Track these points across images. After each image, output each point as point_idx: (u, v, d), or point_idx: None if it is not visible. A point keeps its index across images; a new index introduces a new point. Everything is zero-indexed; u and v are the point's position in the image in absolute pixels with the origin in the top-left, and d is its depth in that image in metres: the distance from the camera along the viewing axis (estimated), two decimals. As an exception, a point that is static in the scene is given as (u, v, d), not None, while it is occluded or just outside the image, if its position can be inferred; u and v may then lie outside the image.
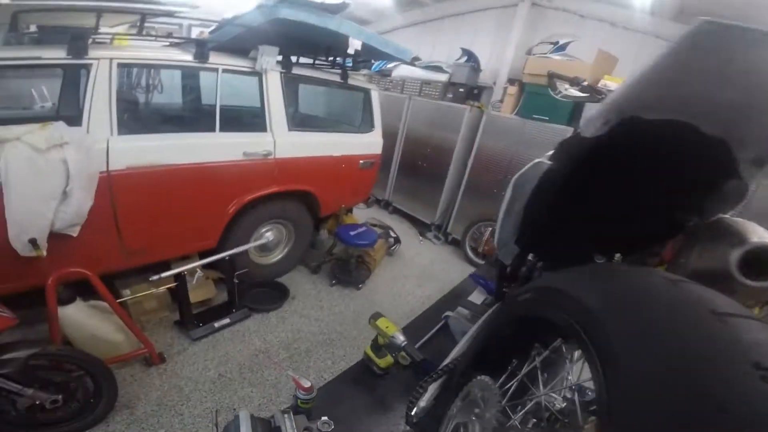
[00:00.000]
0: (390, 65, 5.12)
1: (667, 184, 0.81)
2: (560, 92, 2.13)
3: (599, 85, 3.12)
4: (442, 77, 4.51)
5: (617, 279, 0.60)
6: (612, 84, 3.32)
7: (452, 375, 1.01)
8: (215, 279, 2.71)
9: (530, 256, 1.31)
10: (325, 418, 1.37)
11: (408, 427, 1.45)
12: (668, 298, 0.52)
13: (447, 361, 1.25)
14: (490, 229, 4.01)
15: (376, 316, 1.63)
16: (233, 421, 1.22)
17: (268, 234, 2.88)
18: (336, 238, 3.26)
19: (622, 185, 0.88)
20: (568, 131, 3.43)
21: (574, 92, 2.05)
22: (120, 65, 1.89)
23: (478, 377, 0.77)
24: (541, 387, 0.71)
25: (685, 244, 0.79)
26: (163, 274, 2.04)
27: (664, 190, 0.83)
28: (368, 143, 3.28)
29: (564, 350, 0.74)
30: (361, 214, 4.39)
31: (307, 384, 1.40)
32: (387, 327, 1.57)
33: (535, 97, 3.67)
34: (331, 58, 3.09)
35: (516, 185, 1.18)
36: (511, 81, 4.08)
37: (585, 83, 1.91)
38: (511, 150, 3.85)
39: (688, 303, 0.50)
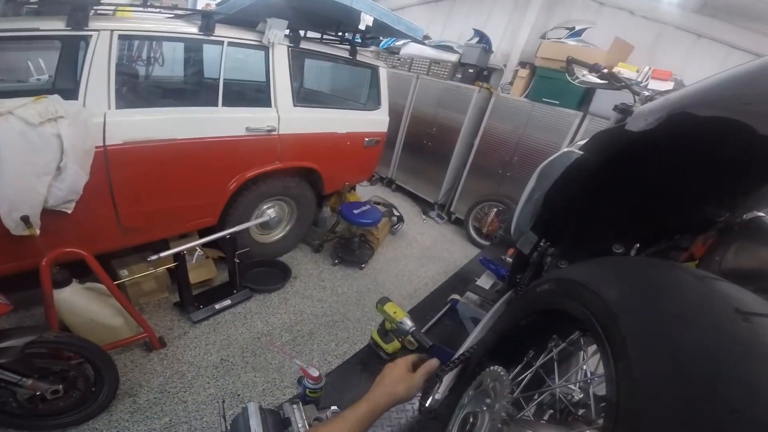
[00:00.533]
0: (399, 43, 4.95)
1: (701, 181, 0.79)
2: (578, 78, 2.04)
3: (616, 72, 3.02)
4: (452, 57, 4.37)
5: (638, 273, 0.57)
6: (627, 71, 3.21)
7: (468, 364, 1.00)
8: (215, 258, 2.64)
9: (542, 242, 1.29)
10: (334, 407, 1.33)
11: (417, 414, 1.44)
12: (690, 295, 0.49)
13: (462, 349, 1.22)
14: (495, 209, 4.05)
15: (384, 301, 1.58)
16: (242, 413, 1.18)
17: (270, 211, 2.80)
18: (339, 216, 3.21)
19: (655, 179, 0.86)
20: (577, 116, 3.45)
21: (593, 78, 1.97)
22: (121, 37, 1.77)
23: (491, 367, 0.75)
24: (556, 379, 0.70)
25: (719, 241, 0.76)
26: (163, 254, 1.96)
27: (698, 186, 0.81)
28: (374, 121, 3.20)
29: (582, 343, 0.74)
30: (364, 191, 4.31)
31: (315, 373, 1.36)
32: (395, 312, 1.52)
33: (547, 81, 3.62)
34: (340, 34, 2.94)
35: (542, 173, 1.15)
36: (522, 64, 3.97)
37: (605, 70, 1.80)
38: (518, 132, 3.87)
39: (711, 300, 0.47)
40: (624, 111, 1.77)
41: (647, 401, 0.39)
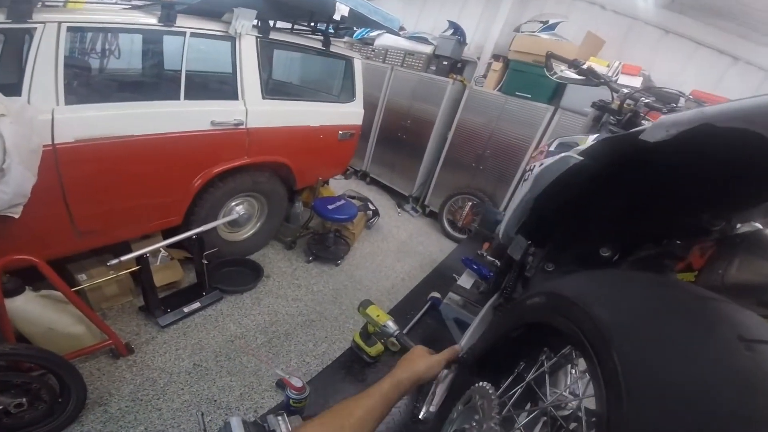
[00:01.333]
0: (373, 34, 4.84)
1: (703, 189, 0.77)
2: (555, 73, 2.04)
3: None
4: (427, 49, 4.31)
5: (634, 292, 0.56)
6: (598, 66, 3.27)
7: (460, 372, 0.99)
8: (181, 259, 2.53)
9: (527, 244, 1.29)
10: None
11: (410, 422, 1.44)
12: (690, 320, 0.47)
13: (466, 346, 1.22)
14: (470, 203, 4.09)
15: (366, 304, 1.56)
16: (224, 428, 1.13)
17: (238, 208, 2.70)
18: (312, 211, 3.13)
19: (653, 185, 0.85)
20: (549, 110, 3.50)
21: (571, 74, 1.96)
22: (70, 29, 1.63)
23: (479, 383, 0.74)
24: (547, 393, 0.69)
25: (719, 253, 0.75)
26: (123, 258, 1.85)
27: (697, 194, 0.79)
28: (348, 113, 3.12)
29: (574, 357, 0.72)
30: (338, 185, 4.25)
31: (299, 384, 1.32)
32: (378, 315, 1.51)
33: (520, 75, 3.63)
34: (312, 24, 2.83)
35: (538, 178, 1.13)
36: (495, 57, 3.96)
37: (584, 66, 1.82)
38: (491, 125, 3.90)
39: (713, 326, 0.45)
40: (602, 108, 1.77)
41: None
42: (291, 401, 1.32)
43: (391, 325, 1.42)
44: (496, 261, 2.10)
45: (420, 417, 0.90)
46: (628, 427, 0.40)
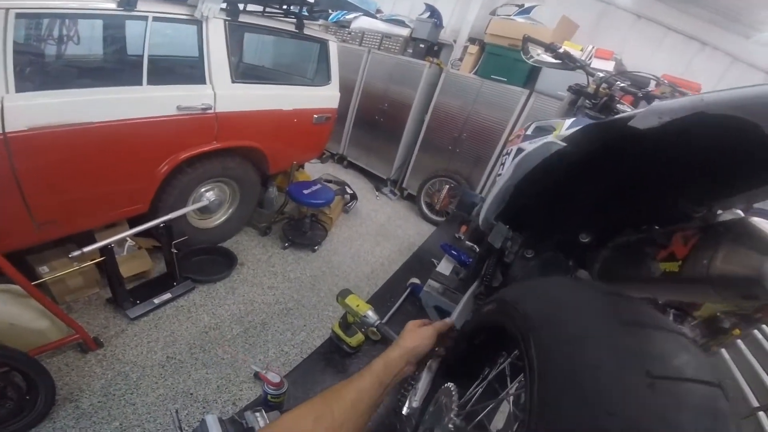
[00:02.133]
0: (350, 16, 4.71)
1: (686, 176, 0.78)
2: (532, 57, 2.03)
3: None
4: (404, 32, 4.25)
5: (557, 291, 0.63)
6: (572, 50, 3.30)
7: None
8: (150, 248, 2.45)
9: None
10: None
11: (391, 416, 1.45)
12: (593, 310, 0.54)
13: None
14: (447, 186, 4.14)
15: (345, 293, 1.52)
16: (200, 426, 1.12)
17: (208, 194, 2.62)
18: (287, 196, 3.08)
19: (635, 171, 0.86)
20: (524, 93, 3.54)
21: (548, 58, 1.96)
22: (20, 16, 1.53)
23: (445, 384, 0.77)
24: (510, 394, 0.72)
25: (703, 243, 0.73)
26: (85, 249, 1.77)
27: (679, 180, 0.80)
28: (324, 97, 3.07)
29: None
30: (314, 169, 4.17)
31: (276, 379, 1.30)
32: (358, 306, 1.47)
33: (495, 58, 3.65)
34: (285, 7, 2.73)
35: (519, 165, 1.09)
36: (472, 40, 3.96)
37: (561, 50, 1.81)
38: (467, 108, 3.92)
39: (611, 314, 0.53)
40: (578, 92, 1.79)
41: (545, 417, 0.43)
42: (269, 396, 1.31)
43: (372, 315, 1.40)
44: (475, 246, 2.10)
45: (403, 413, 0.89)
46: (541, 407, 0.44)
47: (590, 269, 1.03)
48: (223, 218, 2.83)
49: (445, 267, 2.25)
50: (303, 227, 3.20)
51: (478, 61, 3.85)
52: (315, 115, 3.00)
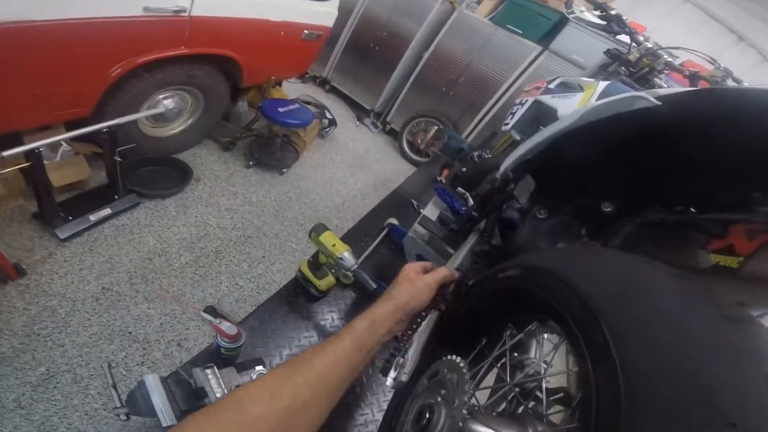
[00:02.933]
0: None
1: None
2: (573, 12, 1.89)
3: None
4: None
5: (618, 268, 0.57)
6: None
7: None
8: (89, 154, 2.09)
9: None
10: (260, 368, 1.16)
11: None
12: (674, 295, 0.49)
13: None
14: (435, 128, 4.07)
15: (320, 229, 1.32)
16: (138, 388, 0.96)
17: (167, 102, 2.26)
18: (259, 113, 2.77)
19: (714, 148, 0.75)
20: (535, 49, 3.42)
21: (590, 17, 1.82)
22: None
23: (448, 356, 0.70)
24: (507, 371, 0.69)
25: None
26: (6, 152, 1.45)
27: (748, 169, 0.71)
28: (320, 13, 2.76)
29: (537, 333, 0.71)
30: (291, 88, 3.78)
31: (232, 331, 1.13)
32: (334, 245, 1.30)
33: (518, 8, 3.45)
34: None
35: (587, 113, 0.94)
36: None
37: (613, 11, 1.68)
38: (472, 54, 3.78)
39: (696, 302, 0.48)
40: (616, 57, 1.75)
41: (636, 408, 0.38)
42: (222, 350, 1.16)
43: (349, 258, 1.27)
44: (467, 194, 2.01)
45: (387, 383, 0.79)
46: (625, 402, 0.39)
47: (605, 242, 0.95)
48: (180, 128, 2.49)
49: (431, 212, 2.05)
50: (272, 147, 2.94)
51: (497, 6, 3.62)
52: (305, 31, 2.71)
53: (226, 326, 1.13)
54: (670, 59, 1.63)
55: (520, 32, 3.42)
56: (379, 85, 4.34)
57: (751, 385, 0.36)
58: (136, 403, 0.96)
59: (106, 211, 1.93)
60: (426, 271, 0.75)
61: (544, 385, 0.62)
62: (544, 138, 1.04)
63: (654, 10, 3.47)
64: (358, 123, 4.44)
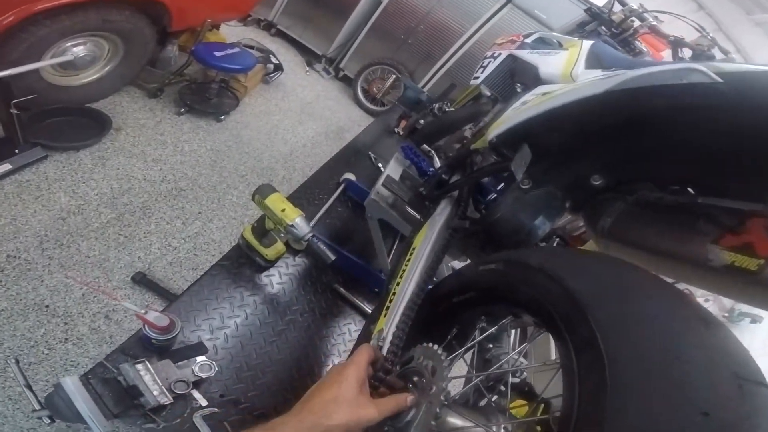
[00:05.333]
0: None
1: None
2: None
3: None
4: None
5: (606, 268, 0.61)
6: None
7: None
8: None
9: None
10: (202, 358, 1.01)
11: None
12: (655, 297, 0.53)
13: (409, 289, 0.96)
14: (393, 76, 4.00)
15: (265, 191, 1.16)
16: (56, 392, 0.83)
17: (76, 50, 1.99)
18: (192, 57, 2.55)
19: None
20: (499, 2, 3.39)
21: None
22: None
23: (425, 343, 0.71)
24: (473, 362, 0.73)
25: None
26: None
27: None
28: None
29: (509, 328, 0.76)
30: (231, 32, 3.45)
31: (164, 321, 0.98)
32: (284, 210, 1.15)
33: None
34: None
35: (628, 81, 0.82)
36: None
37: None
38: (432, 2, 3.74)
39: (675, 304, 0.52)
40: (596, 16, 1.73)
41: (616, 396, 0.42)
42: (153, 341, 1.05)
43: (302, 225, 1.15)
44: (432, 152, 1.96)
45: None
46: (611, 390, 0.42)
47: (594, 220, 0.90)
48: (95, 76, 2.21)
49: (394, 171, 1.88)
50: (208, 92, 2.75)
51: None
52: None
53: (154, 317, 0.96)
54: (654, 23, 1.63)
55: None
56: (333, 30, 4.17)
57: (722, 381, 0.40)
58: (58, 408, 0.82)
59: (5, 167, 1.73)
60: (372, 381, 0.59)
61: (510, 379, 0.68)
62: (560, 104, 0.92)
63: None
64: (307, 68, 4.27)
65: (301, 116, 3.33)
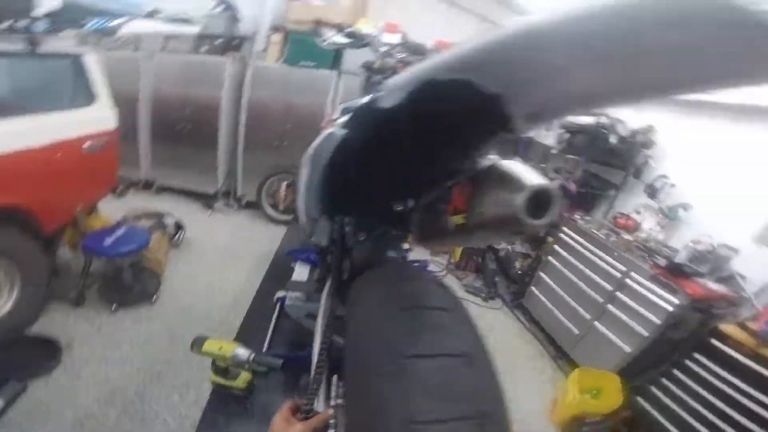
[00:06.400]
0: (115, 23, 4.07)
1: (444, 138, 0.89)
2: (325, 40, 2.25)
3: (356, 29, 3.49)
4: (193, 30, 4.03)
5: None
6: (366, 27, 3.72)
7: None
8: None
9: (336, 218, 1.30)
10: None
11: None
12: (375, 298, 0.87)
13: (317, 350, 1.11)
14: (285, 182, 4.15)
15: (200, 341, 1.39)
16: None
17: None
18: (85, 254, 2.58)
19: (409, 142, 0.95)
20: (333, 75, 3.83)
21: (340, 39, 2.15)
22: None
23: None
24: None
25: (474, 192, 0.82)
26: None
27: (443, 142, 0.91)
28: (91, 119, 2.63)
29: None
30: (114, 208, 3.48)
31: None
32: (221, 348, 1.37)
33: (301, 44, 3.85)
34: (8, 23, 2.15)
35: (312, 160, 1.13)
36: (274, 29, 4.04)
37: (349, 29, 2.06)
38: (284, 98, 4.04)
39: (389, 297, 0.83)
40: (370, 68, 1.93)
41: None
42: None
43: (242, 352, 1.35)
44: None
45: None
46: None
47: (414, 235, 1.16)
48: (6, 309, 2.21)
49: (301, 272, 2.19)
50: (124, 282, 2.70)
51: (283, 49, 3.98)
52: (86, 143, 2.54)
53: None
54: (401, 56, 1.84)
55: (314, 64, 3.84)
56: (211, 164, 4.31)
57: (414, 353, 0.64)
58: None
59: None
60: (296, 411, 0.78)
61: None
62: (303, 192, 1.21)
63: (404, 5, 4.33)
64: (209, 212, 4.34)
65: (225, 261, 3.39)
